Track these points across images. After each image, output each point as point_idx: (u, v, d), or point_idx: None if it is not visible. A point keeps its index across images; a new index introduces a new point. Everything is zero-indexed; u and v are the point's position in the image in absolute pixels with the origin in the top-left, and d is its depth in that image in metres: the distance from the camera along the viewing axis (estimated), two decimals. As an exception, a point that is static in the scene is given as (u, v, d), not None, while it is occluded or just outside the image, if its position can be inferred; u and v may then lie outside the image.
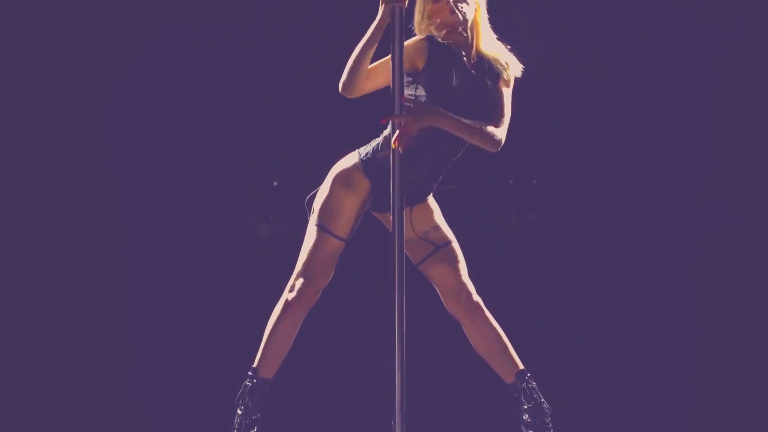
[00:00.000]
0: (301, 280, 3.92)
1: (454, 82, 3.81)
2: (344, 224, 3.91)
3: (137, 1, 5.60)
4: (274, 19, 5.76)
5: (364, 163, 3.91)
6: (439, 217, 4.05)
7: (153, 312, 5.58)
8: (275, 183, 5.73)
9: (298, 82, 5.75)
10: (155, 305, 5.59)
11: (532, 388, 3.96)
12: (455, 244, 4.03)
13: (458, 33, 3.88)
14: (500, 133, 3.81)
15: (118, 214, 5.64)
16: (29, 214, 5.57)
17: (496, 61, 3.92)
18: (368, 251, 4.08)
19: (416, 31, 3.95)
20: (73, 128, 5.61)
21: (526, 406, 3.93)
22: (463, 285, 4.00)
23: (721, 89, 5.61)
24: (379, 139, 3.93)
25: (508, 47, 3.97)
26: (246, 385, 3.93)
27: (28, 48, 5.54)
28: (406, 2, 3.59)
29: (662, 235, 5.64)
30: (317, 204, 3.95)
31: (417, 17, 3.94)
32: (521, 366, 3.98)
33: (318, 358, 4.84)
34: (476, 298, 4.01)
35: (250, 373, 3.94)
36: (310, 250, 3.92)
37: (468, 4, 3.87)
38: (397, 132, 3.53)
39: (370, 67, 3.77)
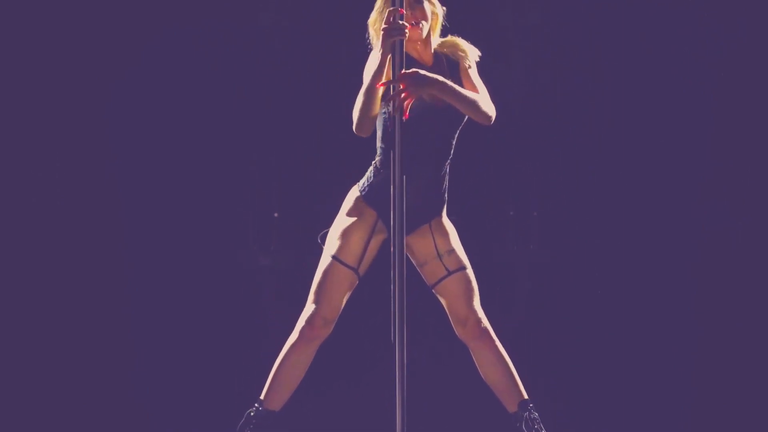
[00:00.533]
0: (311, 308, 3.91)
1: None
2: (353, 252, 3.90)
3: (137, 1, 5.59)
4: (274, 20, 5.74)
5: (365, 195, 3.94)
6: (455, 241, 4.02)
7: (153, 331, 5.54)
8: (276, 214, 5.69)
9: (299, 111, 5.71)
10: (155, 327, 5.55)
11: (534, 418, 3.92)
12: (469, 270, 3.99)
13: (415, 43, 3.89)
14: (488, 107, 3.83)
15: (118, 215, 5.62)
16: (29, 214, 5.56)
17: (453, 53, 3.97)
18: (374, 271, 4.05)
19: (372, 41, 3.94)
20: (73, 128, 5.59)
21: (526, 437, 3.93)
22: (472, 312, 3.96)
23: (721, 89, 5.60)
24: (371, 168, 3.97)
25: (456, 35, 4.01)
26: (249, 415, 3.91)
27: (29, 48, 5.53)
28: (407, 35, 3.59)
29: (662, 235, 5.64)
30: (329, 237, 3.96)
31: (376, 26, 3.89)
32: (525, 396, 3.95)
33: (318, 378, 4.80)
34: (485, 325, 3.97)
35: (256, 404, 3.92)
36: (320, 280, 3.92)
37: (427, 21, 3.88)
38: (397, 98, 3.54)
39: None
